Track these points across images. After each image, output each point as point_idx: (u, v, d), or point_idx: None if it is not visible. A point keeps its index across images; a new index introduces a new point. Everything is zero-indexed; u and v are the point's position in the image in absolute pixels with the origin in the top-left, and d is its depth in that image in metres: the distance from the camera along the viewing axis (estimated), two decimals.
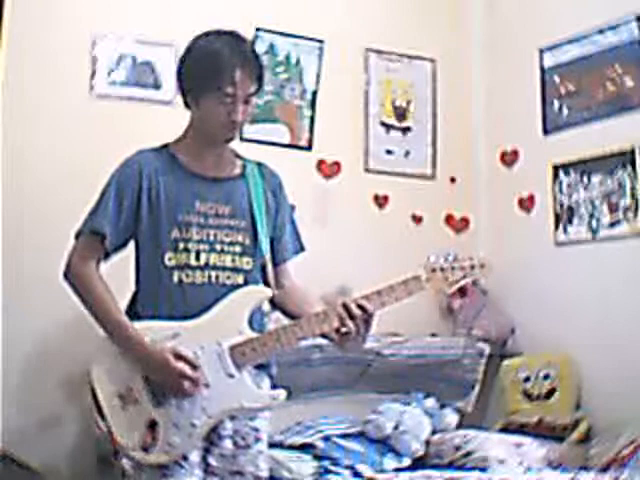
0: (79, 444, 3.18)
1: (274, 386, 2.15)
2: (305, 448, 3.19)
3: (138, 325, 2.00)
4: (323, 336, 2.05)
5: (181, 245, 2.05)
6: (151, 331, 1.98)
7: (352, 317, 2.00)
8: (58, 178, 3.25)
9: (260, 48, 3.60)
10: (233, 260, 2.09)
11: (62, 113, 3.29)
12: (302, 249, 2.28)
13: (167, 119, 3.41)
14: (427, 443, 3.39)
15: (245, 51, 2.09)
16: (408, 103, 4.08)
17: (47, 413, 3.16)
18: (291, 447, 3.15)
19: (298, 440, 3.21)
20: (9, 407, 2.97)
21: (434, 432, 3.44)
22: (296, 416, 3.29)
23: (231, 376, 1.98)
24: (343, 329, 2.01)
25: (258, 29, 3.68)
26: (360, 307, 2.01)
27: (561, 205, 3.74)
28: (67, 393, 3.19)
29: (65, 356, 3.18)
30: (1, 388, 2.96)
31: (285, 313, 2.21)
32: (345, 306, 2.01)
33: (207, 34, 2.13)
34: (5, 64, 3.13)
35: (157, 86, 3.49)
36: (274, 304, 2.22)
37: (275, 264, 2.19)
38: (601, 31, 3.60)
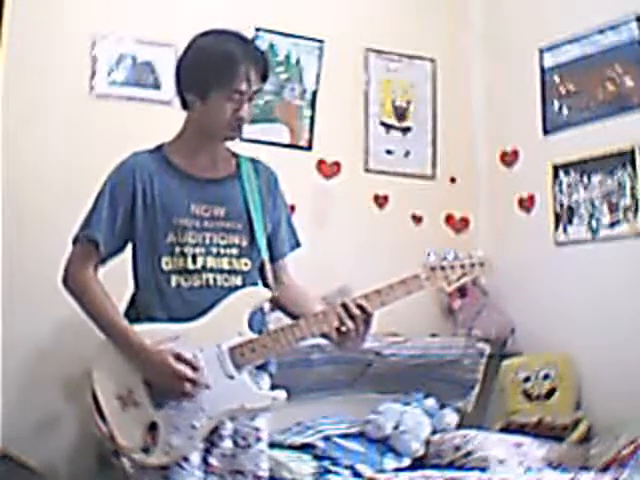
0: (79, 444, 3.17)
1: (274, 385, 2.16)
2: (305, 448, 3.20)
3: (138, 328, 2.01)
4: (323, 336, 2.05)
5: (177, 249, 2.05)
6: (151, 334, 1.99)
7: (351, 317, 2.00)
8: (58, 178, 3.25)
9: None
10: (230, 262, 2.09)
11: (62, 113, 3.29)
12: (298, 245, 2.28)
13: (167, 119, 3.40)
14: (427, 443, 3.39)
15: (255, 49, 2.13)
16: (408, 103, 4.08)
17: (47, 413, 3.15)
18: (291, 447, 3.15)
19: (298, 440, 3.22)
20: (9, 407, 2.97)
21: (434, 432, 3.44)
22: (296, 416, 3.29)
23: (231, 377, 1.98)
24: (343, 329, 2.01)
25: (258, 29, 3.67)
26: (359, 307, 2.01)
27: (561, 205, 3.74)
28: (67, 393, 3.19)
29: (65, 356, 3.18)
30: (1, 388, 2.96)
31: (285, 311, 2.21)
32: (344, 306, 2.01)
33: (209, 33, 2.14)
34: (5, 64, 3.13)
35: (157, 86, 3.49)
36: (274, 302, 2.21)
37: (273, 260, 2.19)
38: (601, 31, 3.59)
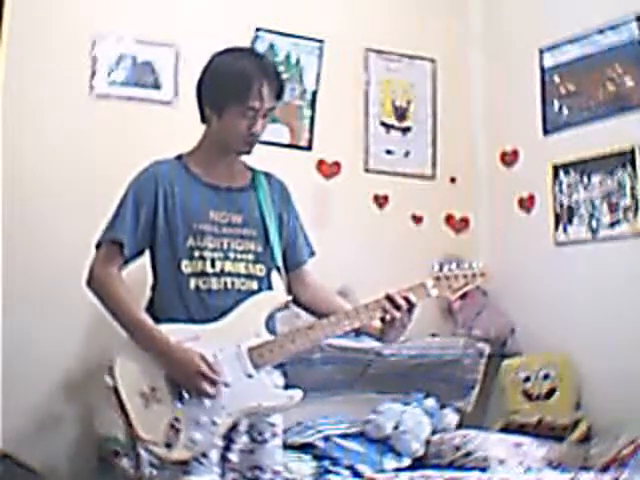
0: (79, 444, 3.18)
1: (287, 385, 2.22)
2: (305, 448, 3.20)
3: (159, 327, 2.07)
4: (356, 331, 2.18)
5: (196, 253, 2.14)
6: (172, 333, 2.06)
7: (397, 307, 2.11)
8: (58, 178, 3.24)
9: (260, 48, 3.60)
10: (247, 267, 2.18)
11: (62, 113, 3.29)
12: (313, 253, 2.39)
13: (167, 119, 3.43)
14: (427, 443, 3.39)
15: (270, 67, 2.22)
16: (408, 103, 4.08)
17: (47, 413, 3.15)
18: (291, 447, 3.14)
19: (298, 440, 3.22)
20: (9, 407, 2.96)
21: (434, 432, 3.44)
22: (296, 416, 3.29)
23: (250, 376, 2.06)
24: (388, 317, 2.12)
25: (258, 29, 3.67)
26: (404, 298, 2.12)
27: (561, 205, 3.74)
28: (67, 393, 3.19)
29: (65, 356, 3.19)
30: (1, 388, 2.96)
31: (314, 313, 2.30)
32: (389, 298, 2.12)
33: (226, 51, 2.23)
34: (5, 64, 3.13)
35: (157, 86, 3.48)
36: (302, 305, 2.32)
37: (296, 267, 2.31)
38: (601, 31, 3.60)
